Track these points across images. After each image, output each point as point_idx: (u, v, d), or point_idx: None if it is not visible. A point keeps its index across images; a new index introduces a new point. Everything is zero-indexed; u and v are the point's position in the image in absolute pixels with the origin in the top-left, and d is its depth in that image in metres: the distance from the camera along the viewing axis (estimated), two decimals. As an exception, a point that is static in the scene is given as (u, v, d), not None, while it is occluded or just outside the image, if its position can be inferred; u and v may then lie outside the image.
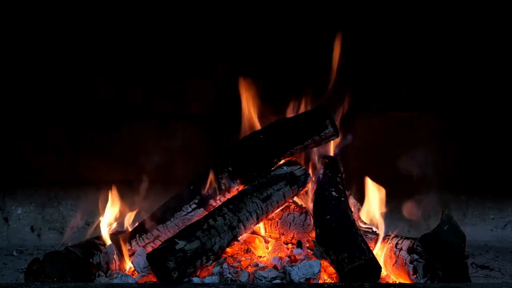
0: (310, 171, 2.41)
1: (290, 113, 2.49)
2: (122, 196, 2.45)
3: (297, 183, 2.29)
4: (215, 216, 2.06)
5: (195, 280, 1.94)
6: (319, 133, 2.25)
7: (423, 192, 3.06)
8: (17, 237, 3.12)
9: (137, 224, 2.39)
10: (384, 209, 2.36)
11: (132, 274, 2.15)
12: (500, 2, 3.01)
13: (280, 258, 2.17)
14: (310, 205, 2.34)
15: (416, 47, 3.07)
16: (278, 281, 1.95)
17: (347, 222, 2.09)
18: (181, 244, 1.92)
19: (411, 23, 3.06)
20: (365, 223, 2.38)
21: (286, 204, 2.33)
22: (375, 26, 3.06)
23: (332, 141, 2.39)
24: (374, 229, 2.32)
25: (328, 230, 2.07)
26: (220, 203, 2.24)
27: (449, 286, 1.85)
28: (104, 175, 3.08)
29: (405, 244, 2.06)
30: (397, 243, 2.11)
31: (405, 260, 2.01)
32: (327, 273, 2.05)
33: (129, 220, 2.46)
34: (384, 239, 2.21)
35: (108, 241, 2.26)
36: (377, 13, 3.05)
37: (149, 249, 2.19)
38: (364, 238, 2.03)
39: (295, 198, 2.39)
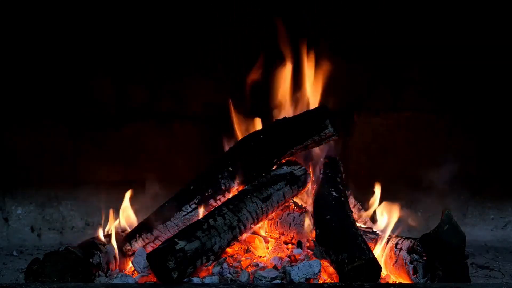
0: (310, 171, 2.41)
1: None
2: (122, 196, 2.45)
3: (297, 183, 2.29)
4: (215, 216, 2.06)
5: (195, 280, 1.95)
6: (319, 133, 2.25)
7: (423, 192, 3.05)
8: (17, 237, 3.11)
9: (137, 224, 2.39)
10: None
11: (132, 274, 2.15)
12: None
13: (280, 258, 2.17)
14: (310, 206, 2.34)
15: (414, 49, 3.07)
16: (278, 281, 1.95)
17: (347, 222, 2.09)
18: (181, 244, 1.92)
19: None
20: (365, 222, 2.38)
21: (286, 204, 2.33)
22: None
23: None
24: (374, 229, 2.32)
25: (328, 230, 2.07)
26: (220, 203, 2.24)
27: (449, 286, 1.86)
28: (104, 175, 3.08)
29: (405, 244, 2.06)
30: (397, 243, 2.11)
31: (405, 260, 2.01)
32: (327, 273, 2.05)
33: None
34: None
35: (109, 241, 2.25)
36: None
37: (149, 249, 2.18)
38: (364, 238, 2.03)
39: (295, 198, 2.39)
